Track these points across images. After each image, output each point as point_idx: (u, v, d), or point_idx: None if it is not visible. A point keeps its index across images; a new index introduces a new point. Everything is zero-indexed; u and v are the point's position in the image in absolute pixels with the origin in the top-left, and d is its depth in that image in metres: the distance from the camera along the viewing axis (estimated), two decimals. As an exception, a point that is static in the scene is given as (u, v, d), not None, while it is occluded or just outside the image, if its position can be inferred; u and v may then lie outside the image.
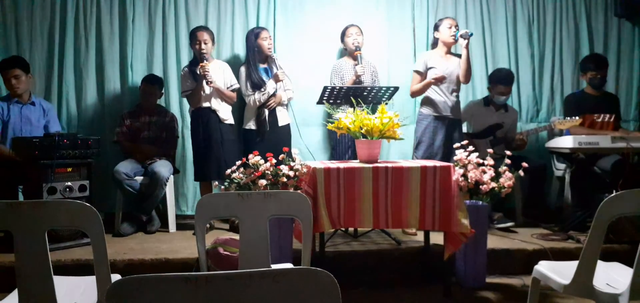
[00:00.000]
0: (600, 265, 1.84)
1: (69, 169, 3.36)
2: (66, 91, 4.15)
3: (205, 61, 3.69)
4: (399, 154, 4.28)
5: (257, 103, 3.85)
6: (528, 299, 2.09)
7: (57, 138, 3.26)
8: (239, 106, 4.06)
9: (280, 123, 3.90)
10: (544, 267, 2.03)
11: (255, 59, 3.90)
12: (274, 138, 3.77)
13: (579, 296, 1.96)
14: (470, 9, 4.56)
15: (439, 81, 3.71)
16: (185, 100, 4.23)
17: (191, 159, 4.26)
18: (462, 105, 4.42)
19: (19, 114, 3.66)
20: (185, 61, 4.25)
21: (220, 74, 3.89)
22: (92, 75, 4.18)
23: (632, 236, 3.20)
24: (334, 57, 4.32)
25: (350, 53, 3.98)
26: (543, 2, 4.65)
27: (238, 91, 3.96)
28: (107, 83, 4.19)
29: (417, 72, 3.84)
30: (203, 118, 3.82)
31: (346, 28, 4.04)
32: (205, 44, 3.77)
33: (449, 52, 3.84)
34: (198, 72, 3.70)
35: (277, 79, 3.78)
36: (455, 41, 3.74)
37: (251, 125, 3.90)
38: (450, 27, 3.77)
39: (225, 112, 3.89)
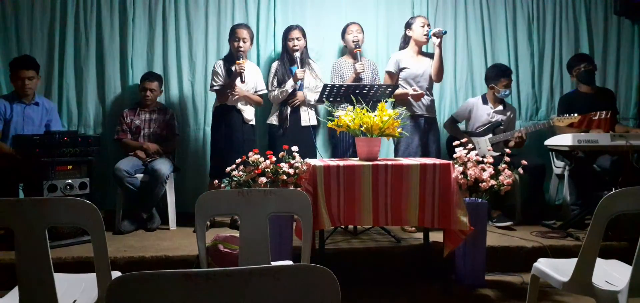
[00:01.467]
0: (599, 262, 1.85)
1: (70, 167, 3.36)
2: (66, 88, 4.15)
3: (242, 59, 3.66)
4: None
5: (276, 99, 3.87)
6: (527, 296, 2.10)
7: (58, 136, 3.26)
8: (266, 104, 4.08)
9: (303, 123, 3.87)
10: (543, 265, 2.04)
11: (285, 57, 3.91)
12: (295, 137, 3.72)
13: (578, 293, 1.97)
14: (470, 7, 4.56)
15: (416, 99, 3.71)
16: (186, 97, 4.25)
17: (193, 156, 4.27)
18: (460, 103, 4.44)
19: (22, 113, 3.66)
20: (185, 58, 4.26)
21: (252, 76, 3.89)
22: (93, 73, 4.19)
23: (631, 233, 3.20)
24: (334, 56, 4.32)
25: (350, 51, 3.98)
26: (543, 0, 4.65)
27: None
28: (108, 81, 4.20)
29: (389, 72, 3.83)
30: (227, 116, 3.81)
31: (347, 26, 4.04)
32: (244, 42, 3.75)
33: (420, 52, 3.85)
34: (233, 69, 3.66)
35: (295, 79, 3.78)
36: (428, 40, 3.74)
37: (273, 120, 3.92)
38: (423, 26, 3.76)
39: (250, 113, 3.90)
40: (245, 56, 3.73)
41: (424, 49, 3.91)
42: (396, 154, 3.84)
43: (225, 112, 3.81)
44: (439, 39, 3.63)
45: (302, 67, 3.84)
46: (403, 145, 3.76)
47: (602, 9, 4.72)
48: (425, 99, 3.82)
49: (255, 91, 3.93)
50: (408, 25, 3.87)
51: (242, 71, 3.60)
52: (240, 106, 3.82)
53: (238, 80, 3.68)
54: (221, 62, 3.84)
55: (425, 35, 3.74)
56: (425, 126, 3.83)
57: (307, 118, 3.88)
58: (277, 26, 4.33)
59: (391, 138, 2.86)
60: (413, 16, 3.96)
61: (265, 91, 3.95)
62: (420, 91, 3.70)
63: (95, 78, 4.20)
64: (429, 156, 3.75)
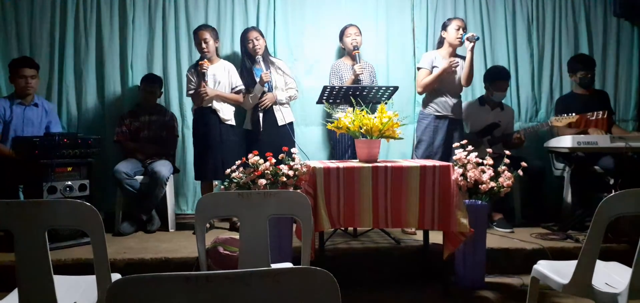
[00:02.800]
0: (599, 264, 1.85)
1: (69, 169, 3.36)
2: (66, 90, 4.15)
3: (205, 60, 3.69)
4: (399, 154, 4.28)
5: (248, 105, 3.88)
6: (527, 299, 2.09)
7: (57, 138, 3.26)
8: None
9: (279, 123, 3.88)
10: (543, 267, 2.04)
11: (246, 61, 3.92)
12: (272, 138, 3.75)
13: (578, 295, 1.96)
14: (469, 8, 4.57)
15: (448, 69, 3.70)
16: (185, 99, 4.24)
17: (192, 158, 4.27)
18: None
19: (22, 115, 3.66)
20: (185, 60, 4.26)
21: (225, 75, 3.88)
22: (92, 74, 4.19)
23: (631, 236, 3.20)
24: (333, 57, 4.32)
25: (348, 53, 3.99)
26: (542, 1, 4.65)
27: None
28: (107, 83, 4.20)
29: (423, 69, 3.83)
30: (204, 118, 3.82)
31: (345, 28, 4.04)
32: (205, 43, 3.77)
33: (454, 53, 3.85)
34: (198, 71, 3.71)
35: (262, 82, 3.78)
36: (461, 43, 3.75)
37: (247, 125, 3.93)
38: (458, 29, 3.77)
39: (227, 113, 3.88)
40: (210, 57, 3.77)
41: (458, 51, 3.90)
42: (416, 154, 3.83)
43: (203, 115, 3.82)
44: (472, 44, 3.63)
45: (266, 67, 3.85)
46: (424, 144, 3.77)
47: (601, 10, 4.73)
48: (451, 101, 3.81)
49: (232, 89, 3.91)
50: (444, 27, 3.88)
51: (204, 71, 3.66)
52: (215, 105, 3.81)
53: (210, 77, 3.72)
54: (192, 69, 3.86)
55: (458, 38, 3.75)
56: (450, 127, 3.81)
57: (282, 116, 3.88)
58: (277, 27, 4.34)
59: (399, 140, 2.85)
60: (450, 18, 3.96)
61: (242, 87, 3.92)
62: (455, 61, 3.71)
63: (95, 80, 4.20)
64: (450, 157, 3.74)
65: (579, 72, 4.06)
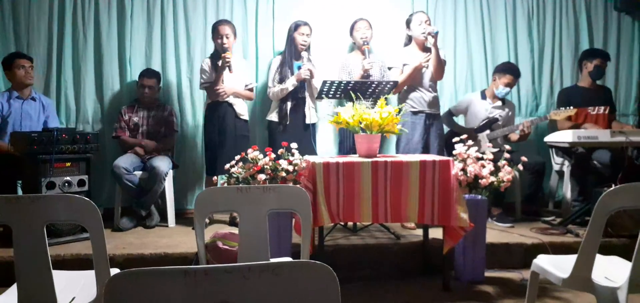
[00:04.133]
0: (599, 258, 1.84)
1: (68, 164, 3.35)
2: (65, 85, 4.14)
3: (229, 54, 3.65)
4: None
5: (276, 96, 3.85)
6: (527, 293, 2.09)
7: (56, 133, 3.25)
8: (267, 100, 4.07)
9: (307, 121, 3.89)
10: (542, 261, 2.04)
11: (291, 54, 3.88)
12: (296, 134, 3.73)
13: (578, 290, 1.97)
14: (469, 3, 4.55)
15: (419, 67, 3.70)
16: (184, 94, 4.23)
17: (191, 153, 4.27)
18: (460, 97, 4.44)
19: (20, 109, 3.65)
20: (183, 55, 4.24)
21: (239, 71, 3.87)
22: (91, 70, 4.17)
23: (630, 230, 3.20)
24: (338, 51, 4.28)
25: (358, 48, 3.95)
26: (543, -4, 4.65)
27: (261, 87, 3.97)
28: (106, 78, 4.19)
29: (394, 68, 3.82)
30: (219, 112, 3.80)
31: (355, 22, 3.99)
32: (226, 38, 3.74)
33: (423, 48, 3.83)
34: (219, 63, 3.66)
35: (299, 79, 3.78)
36: (425, 38, 3.73)
37: (272, 116, 3.90)
38: (420, 24, 3.75)
39: (242, 108, 3.89)
40: (230, 50, 3.73)
41: (427, 45, 3.88)
42: (397, 150, 3.83)
43: (217, 108, 3.81)
44: (433, 39, 3.61)
45: (305, 64, 3.86)
46: (403, 141, 3.76)
47: (602, 5, 4.72)
48: (427, 95, 3.80)
49: (245, 86, 3.91)
50: (407, 24, 3.86)
51: (228, 63, 3.60)
52: (231, 99, 3.81)
53: (226, 72, 3.69)
54: (208, 60, 3.84)
55: (423, 33, 3.73)
56: (427, 121, 3.81)
57: (309, 115, 3.90)
58: (276, 23, 4.32)
59: (392, 135, 2.84)
60: (411, 13, 3.93)
61: (254, 85, 3.93)
62: (427, 57, 3.70)
63: (93, 75, 4.18)
64: (430, 152, 3.75)
65: (596, 60, 4.04)
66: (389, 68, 3.87)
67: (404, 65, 3.78)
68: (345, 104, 3.30)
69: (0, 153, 3.44)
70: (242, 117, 3.88)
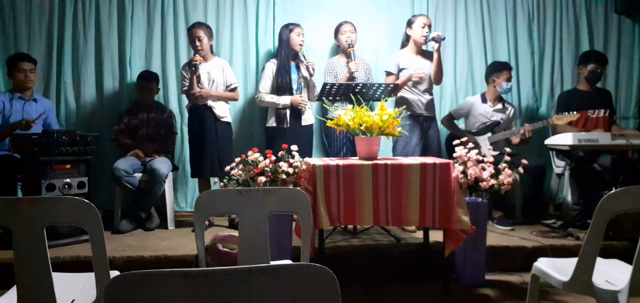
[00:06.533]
0: (600, 262, 1.84)
1: (68, 166, 3.35)
2: (64, 87, 4.14)
3: (197, 56, 3.68)
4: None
5: (271, 106, 3.86)
6: (527, 296, 2.09)
7: (56, 135, 3.25)
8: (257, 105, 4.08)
9: (304, 123, 3.90)
10: (543, 264, 2.03)
11: (287, 55, 3.86)
12: (297, 137, 3.72)
13: (579, 293, 1.96)
14: (470, 5, 4.56)
15: (417, 80, 3.72)
16: (183, 96, 4.24)
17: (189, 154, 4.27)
18: (460, 102, 4.44)
19: (21, 110, 3.65)
20: (183, 57, 4.25)
21: (219, 73, 3.87)
22: (91, 72, 4.18)
23: (631, 233, 3.20)
24: (327, 54, 4.30)
25: (343, 50, 3.97)
26: (543, -2, 4.65)
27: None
28: (106, 80, 4.19)
29: (389, 73, 3.83)
30: (199, 115, 3.82)
31: (340, 25, 4.02)
32: (199, 41, 3.76)
33: (420, 51, 3.84)
34: (191, 70, 3.71)
35: (294, 104, 3.80)
36: (426, 42, 3.73)
37: (272, 122, 3.89)
38: (423, 27, 3.75)
39: (222, 110, 3.88)
40: (204, 54, 3.76)
41: (424, 48, 3.90)
42: (394, 153, 3.83)
43: (198, 112, 3.82)
44: (437, 44, 3.62)
45: (299, 64, 3.87)
46: (401, 144, 3.76)
47: (602, 7, 4.72)
48: (424, 98, 3.81)
49: (227, 87, 3.90)
50: (409, 24, 3.86)
51: (195, 63, 3.66)
52: (210, 102, 3.82)
53: (207, 75, 3.73)
54: (186, 66, 3.85)
55: (423, 37, 3.73)
56: (425, 125, 3.82)
57: (308, 116, 3.93)
58: (276, 25, 4.32)
59: (390, 137, 2.84)
60: (415, 15, 3.94)
61: (237, 85, 3.94)
62: (421, 73, 3.70)
63: (93, 77, 4.19)
64: (428, 155, 3.75)
65: (590, 65, 4.04)
66: (386, 72, 3.87)
67: (401, 70, 3.78)
68: (332, 106, 3.32)
69: (5, 135, 3.47)
70: (223, 119, 3.87)
